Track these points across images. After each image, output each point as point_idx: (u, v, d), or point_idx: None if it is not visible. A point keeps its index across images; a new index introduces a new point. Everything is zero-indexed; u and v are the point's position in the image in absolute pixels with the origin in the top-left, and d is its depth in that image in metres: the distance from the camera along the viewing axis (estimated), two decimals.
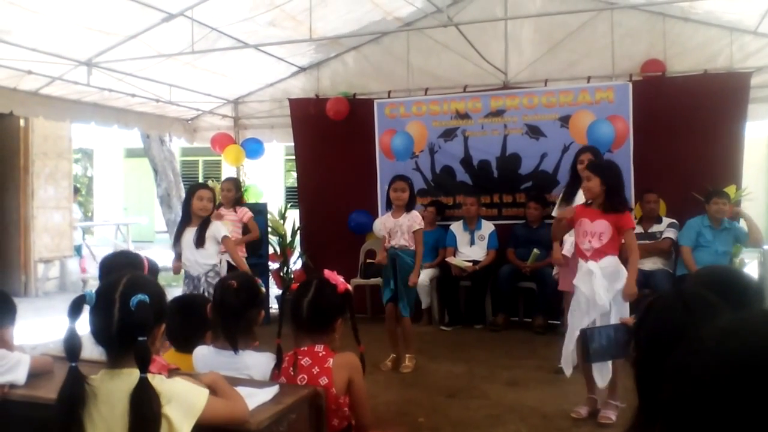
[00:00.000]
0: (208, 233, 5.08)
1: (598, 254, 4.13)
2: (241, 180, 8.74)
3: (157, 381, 1.90)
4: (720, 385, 0.67)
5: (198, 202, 5.12)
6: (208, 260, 5.10)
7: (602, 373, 4.05)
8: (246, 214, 6.84)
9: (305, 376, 2.57)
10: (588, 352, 2.38)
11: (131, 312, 1.84)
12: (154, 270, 3.38)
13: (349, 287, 2.83)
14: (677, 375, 0.73)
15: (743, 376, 0.65)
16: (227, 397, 2.08)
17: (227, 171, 11.26)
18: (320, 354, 2.61)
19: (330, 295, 2.73)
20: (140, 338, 1.82)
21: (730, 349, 0.69)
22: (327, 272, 2.81)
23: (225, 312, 2.69)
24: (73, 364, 1.86)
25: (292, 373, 2.60)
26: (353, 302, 2.85)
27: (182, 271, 5.21)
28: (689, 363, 0.72)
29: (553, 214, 6.06)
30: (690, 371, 0.71)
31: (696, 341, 0.73)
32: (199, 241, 5.06)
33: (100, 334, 1.91)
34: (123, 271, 2.02)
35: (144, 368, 1.83)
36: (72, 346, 1.86)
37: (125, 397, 1.82)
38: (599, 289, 4.04)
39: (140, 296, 1.85)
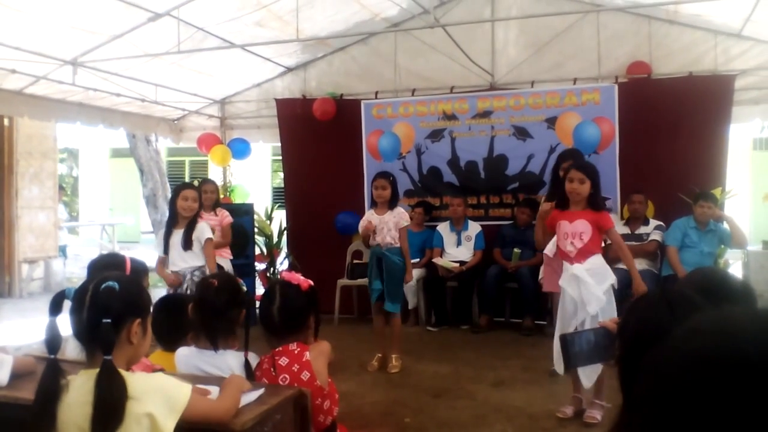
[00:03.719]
0: (195, 235, 5.08)
1: (582, 255, 4.12)
2: (228, 180, 8.71)
3: (139, 377, 1.89)
4: (686, 383, 0.68)
5: (183, 202, 5.10)
6: (195, 262, 5.09)
7: (588, 374, 4.07)
8: (226, 218, 6.53)
9: (287, 376, 2.59)
10: (569, 358, 2.39)
11: (98, 296, 1.85)
12: (140, 270, 3.35)
13: (311, 283, 2.87)
14: (648, 372, 0.74)
15: (707, 374, 0.67)
16: (228, 399, 2.11)
17: (214, 171, 11.20)
18: (295, 351, 2.66)
19: (296, 296, 2.79)
20: (104, 320, 1.82)
21: (696, 347, 0.71)
22: (285, 274, 2.90)
23: (206, 311, 2.70)
24: (53, 356, 1.85)
25: (273, 373, 2.61)
26: (318, 297, 2.88)
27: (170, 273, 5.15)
28: (658, 360, 0.73)
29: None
30: (659, 368, 0.73)
31: (668, 339, 0.74)
32: (187, 244, 5.05)
33: (77, 328, 1.90)
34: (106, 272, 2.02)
35: (107, 350, 1.81)
36: (52, 339, 1.86)
37: (92, 390, 1.81)
38: (593, 290, 4.02)
39: (109, 283, 1.86)
